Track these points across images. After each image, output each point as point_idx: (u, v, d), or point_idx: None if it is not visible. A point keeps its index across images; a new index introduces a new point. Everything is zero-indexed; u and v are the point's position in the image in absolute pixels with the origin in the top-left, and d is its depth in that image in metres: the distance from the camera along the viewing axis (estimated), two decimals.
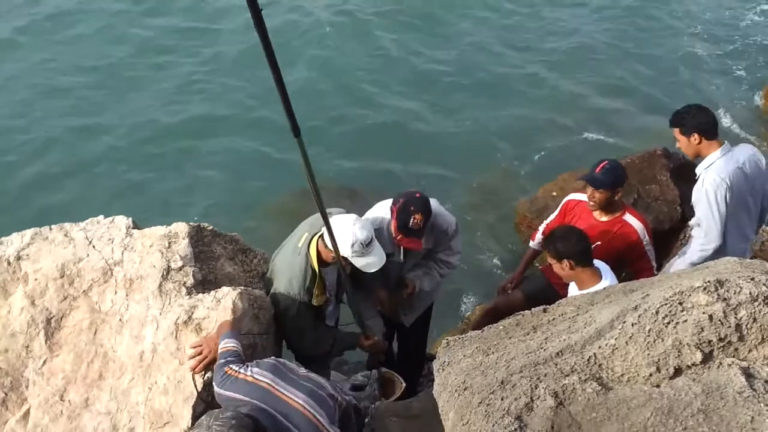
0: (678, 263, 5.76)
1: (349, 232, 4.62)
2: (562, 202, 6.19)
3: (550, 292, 5.86)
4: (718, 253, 5.51)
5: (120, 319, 4.81)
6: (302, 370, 4.07)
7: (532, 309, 4.50)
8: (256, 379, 3.89)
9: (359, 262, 4.70)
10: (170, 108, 12.07)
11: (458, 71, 13.20)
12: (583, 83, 13.02)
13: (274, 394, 3.82)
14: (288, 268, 4.90)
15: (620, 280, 5.11)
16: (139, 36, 14.09)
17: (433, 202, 5.37)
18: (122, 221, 5.24)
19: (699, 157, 5.57)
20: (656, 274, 5.41)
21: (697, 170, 5.57)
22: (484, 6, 15.32)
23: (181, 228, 5.14)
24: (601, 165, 5.60)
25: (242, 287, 4.87)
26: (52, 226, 5.29)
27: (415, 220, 5.02)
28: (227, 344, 4.24)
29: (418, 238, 5.15)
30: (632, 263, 5.76)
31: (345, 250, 4.60)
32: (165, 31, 14.17)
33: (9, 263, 5.09)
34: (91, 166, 10.80)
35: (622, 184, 5.65)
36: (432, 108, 12.23)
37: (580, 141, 11.55)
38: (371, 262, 4.75)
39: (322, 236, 4.75)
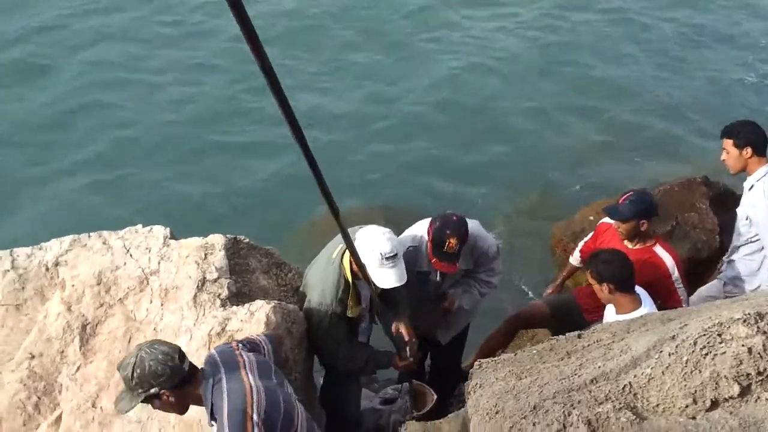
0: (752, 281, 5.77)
1: (374, 241, 4.58)
2: (598, 224, 6.17)
3: (577, 314, 5.82)
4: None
5: (154, 328, 4.84)
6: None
7: (567, 334, 4.46)
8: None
9: (377, 274, 4.59)
10: (215, 126, 12.17)
11: (507, 96, 13.20)
12: (633, 110, 12.93)
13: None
14: (321, 279, 4.88)
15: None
16: (180, 54, 14.24)
17: (474, 224, 5.35)
18: (160, 231, 5.28)
19: (743, 171, 5.58)
20: None
21: (748, 182, 5.58)
22: (525, 37, 15.30)
23: (217, 240, 5.16)
24: (626, 196, 5.55)
25: (276, 301, 4.88)
26: (91, 234, 5.34)
27: (450, 244, 5.00)
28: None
29: (452, 263, 5.12)
30: (661, 299, 5.58)
31: (367, 259, 4.54)
32: (211, 52, 14.30)
33: (47, 269, 5.15)
34: (131, 175, 10.91)
35: (648, 215, 5.52)
36: (480, 133, 12.24)
37: (626, 166, 11.45)
38: (389, 277, 4.62)
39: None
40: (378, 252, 4.55)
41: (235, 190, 10.76)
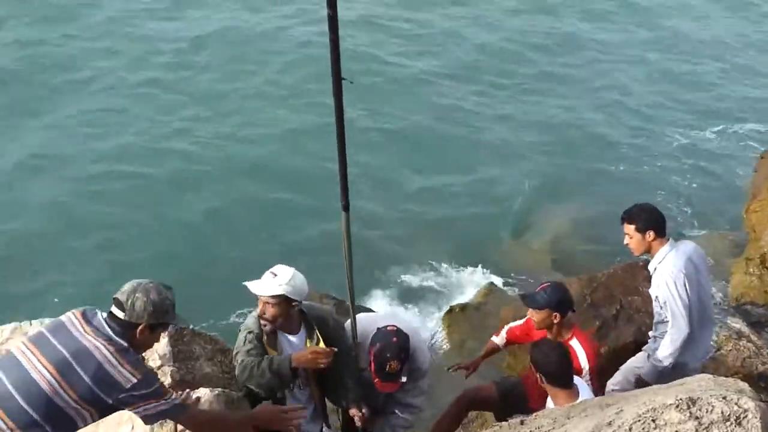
0: (652, 360, 5.88)
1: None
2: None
3: (522, 400, 5.82)
4: (690, 343, 5.71)
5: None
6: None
7: (510, 420, 4.49)
8: None
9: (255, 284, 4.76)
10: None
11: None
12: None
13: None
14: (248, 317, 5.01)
15: None
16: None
17: (414, 334, 5.40)
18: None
19: (647, 253, 5.78)
20: None
21: (651, 266, 5.79)
22: None
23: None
24: (543, 286, 5.64)
25: (220, 389, 4.84)
26: (32, 321, 5.28)
27: (391, 367, 5.05)
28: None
29: (394, 382, 5.16)
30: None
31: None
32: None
33: None
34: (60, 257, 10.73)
35: (559, 308, 5.56)
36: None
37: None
38: (259, 285, 4.76)
39: None
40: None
41: (180, 269, 10.61)
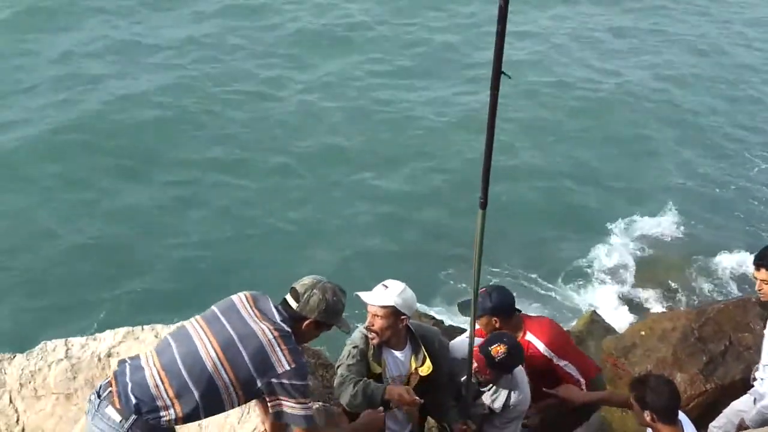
0: (760, 405, 5.70)
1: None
2: None
3: None
4: None
5: (199, 424, 4.88)
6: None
7: None
8: None
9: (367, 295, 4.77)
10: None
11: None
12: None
13: None
14: (356, 331, 5.00)
15: None
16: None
17: (521, 371, 5.28)
18: None
19: None
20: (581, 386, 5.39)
21: None
22: None
23: None
24: (482, 290, 5.34)
25: (321, 403, 4.89)
26: (144, 327, 5.46)
27: (496, 349, 4.95)
28: None
29: (491, 368, 5.05)
30: (556, 382, 5.44)
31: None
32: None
33: (99, 359, 5.26)
34: (173, 265, 11.04)
35: (494, 313, 5.35)
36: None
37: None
38: (370, 295, 4.77)
39: None
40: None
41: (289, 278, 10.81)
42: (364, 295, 4.76)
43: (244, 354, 3.79)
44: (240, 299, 4.02)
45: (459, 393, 5.22)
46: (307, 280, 4.07)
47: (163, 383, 3.79)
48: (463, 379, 5.06)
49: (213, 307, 4.05)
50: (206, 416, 3.91)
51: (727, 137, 15.91)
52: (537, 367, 5.41)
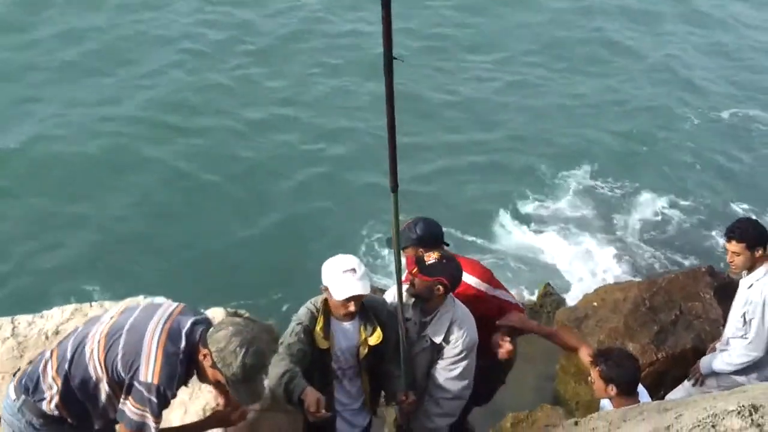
0: (711, 359, 5.92)
1: (337, 260, 4.69)
2: None
3: None
4: (758, 364, 5.65)
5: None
6: None
7: (564, 422, 4.44)
8: None
9: (339, 285, 4.61)
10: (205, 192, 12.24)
11: None
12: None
13: None
14: (302, 307, 4.92)
15: None
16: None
17: (464, 308, 5.21)
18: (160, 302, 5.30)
19: (749, 270, 5.63)
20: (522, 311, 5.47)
21: (745, 281, 5.65)
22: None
23: (217, 313, 5.18)
24: (407, 223, 5.33)
25: None
26: (93, 303, 5.38)
27: (429, 255, 4.95)
28: None
29: (420, 271, 4.95)
30: (499, 315, 5.38)
31: (329, 275, 4.64)
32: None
33: (47, 337, 5.17)
34: (121, 243, 10.87)
35: (422, 242, 5.29)
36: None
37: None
38: (351, 286, 4.60)
39: (326, 288, 4.72)
40: (337, 265, 4.65)
41: (234, 253, 10.71)
42: (354, 289, 4.60)
43: (121, 343, 3.64)
44: (169, 305, 3.85)
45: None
46: (232, 345, 3.60)
47: (51, 363, 3.72)
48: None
49: (145, 301, 3.97)
50: (84, 399, 3.75)
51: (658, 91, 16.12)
52: (473, 302, 5.28)
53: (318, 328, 4.79)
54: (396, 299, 4.80)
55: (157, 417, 3.67)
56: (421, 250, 5.26)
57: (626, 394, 4.89)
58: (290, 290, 9.48)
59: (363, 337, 4.90)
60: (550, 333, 5.85)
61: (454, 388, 5.21)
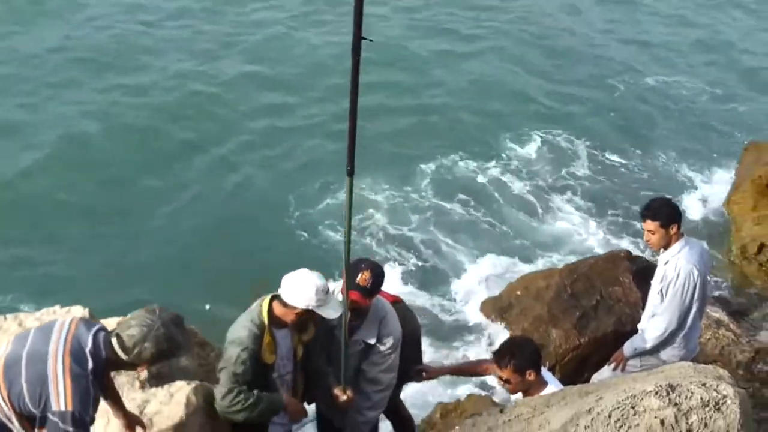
0: (633, 339, 6.01)
1: (310, 282, 4.60)
2: None
3: None
4: (689, 335, 5.81)
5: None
6: None
7: (490, 409, 4.48)
8: None
9: (323, 311, 4.62)
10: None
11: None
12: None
13: None
14: (239, 325, 4.75)
15: None
16: None
17: (384, 302, 5.29)
18: (78, 311, 5.17)
19: (665, 248, 5.76)
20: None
21: (662, 258, 5.78)
22: None
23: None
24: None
25: (197, 381, 4.79)
26: (8, 316, 5.21)
27: (363, 277, 4.93)
28: None
29: (369, 297, 5.01)
30: None
31: (309, 299, 4.56)
32: None
33: None
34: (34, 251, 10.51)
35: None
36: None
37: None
38: (333, 310, 4.66)
39: (277, 296, 4.67)
40: (319, 289, 4.59)
41: (152, 262, 10.35)
42: (330, 314, 4.65)
43: (23, 376, 3.51)
44: (63, 324, 3.72)
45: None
46: (135, 330, 3.65)
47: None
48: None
49: (38, 324, 3.84)
50: None
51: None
52: None
53: (266, 344, 4.70)
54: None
55: None
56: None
57: (539, 371, 4.94)
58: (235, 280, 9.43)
59: (296, 338, 4.88)
60: (458, 369, 6.43)
61: (385, 381, 5.29)
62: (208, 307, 9.01)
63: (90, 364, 3.58)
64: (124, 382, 4.74)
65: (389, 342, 5.22)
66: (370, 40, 3.25)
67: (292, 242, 10.59)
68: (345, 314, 4.78)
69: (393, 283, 9.67)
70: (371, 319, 5.19)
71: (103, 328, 3.76)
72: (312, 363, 5.15)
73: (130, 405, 4.58)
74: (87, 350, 3.60)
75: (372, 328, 5.19)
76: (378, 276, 5.03)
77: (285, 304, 4.63)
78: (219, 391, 4.66)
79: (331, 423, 5.61)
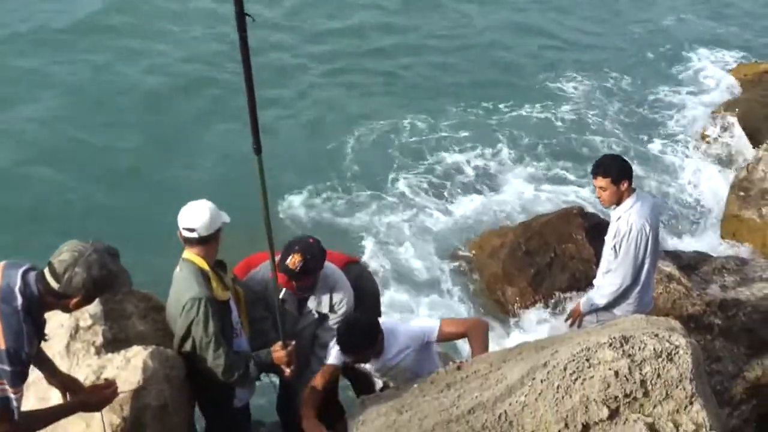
0: (589, 295, 6.03)
1: (197, 204, 4.64)
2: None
3: None
4: (643, 290, 5.86)
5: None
6: None
7: (447, 366, 4.52)
8: None
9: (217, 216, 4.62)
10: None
11: None
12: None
13: None
14: (180, 287, 4.69)
15: None
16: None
17: (337, 271, 5.31)
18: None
19: (617, 204, 5.79)
20: None
21: (614, 214, 5.81)
22: None
23: None
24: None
25: (154, 346, 4.75)
26: None
27: (293, 260, 4.95)
28: None
29: (296, 280, 5.02)
30: None
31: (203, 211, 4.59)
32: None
33: None
34: None
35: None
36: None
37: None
38: (223, 215, 4.66)
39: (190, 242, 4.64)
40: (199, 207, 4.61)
41: (107, 221, 10.15)
42: (223, 217, 4.65)
43: None
44: None
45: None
46: (66, 255, 3.55)
47: None
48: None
49: None
50: None
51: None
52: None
53: (214, 282, 4.65)
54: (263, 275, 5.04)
55: (16, 386, 3.50)
56: None
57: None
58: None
59: (228, 280, 4.85)
60: None
61: None
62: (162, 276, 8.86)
63: (19, 301, 3.50)
64: (79, 348, 4.69)
65: (342, 309, 5.26)
66: (253, 18, 3.17)
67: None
68: (276, 287, 4.77)
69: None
70: (321, 290, 5.22)
71: (33, 267, 3.65)
72: (254, 314, 5.16)
73: (86, 371, 4.54)
74: (16, 288, 3.52)
75: (323, 297, 5.23)
76: (310, 260, 4.98)
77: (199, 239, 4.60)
78: (216, 364, 4.62)
79: (290, 386, 5.61)
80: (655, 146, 12.75)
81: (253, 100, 3.42)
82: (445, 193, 11.34)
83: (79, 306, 3.68)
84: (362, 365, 5.14)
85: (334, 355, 5.00)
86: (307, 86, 13.92)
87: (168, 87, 13.30)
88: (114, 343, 4.84)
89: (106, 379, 4.32)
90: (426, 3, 17.44)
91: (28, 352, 3.54)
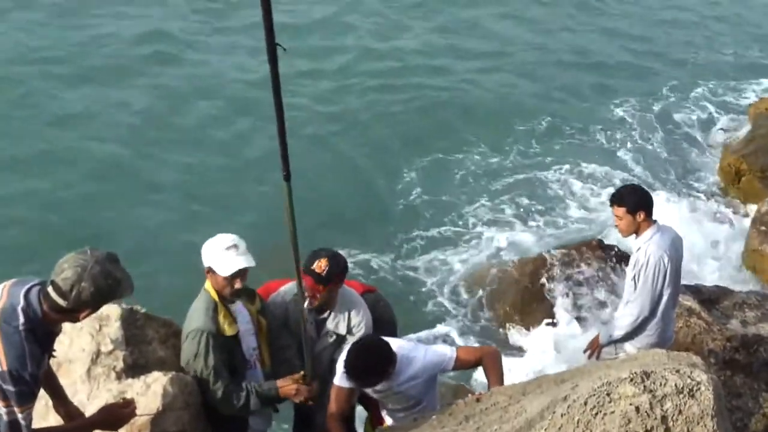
0: (607, 327, 6.11)
1: (217, 239, 4.71)
2: None
3: None
4: (665, 324, 5.86)
5: (45, 404, 4.66)
6: None
7: (466, 398, 4.51)
8: None
9: (223, 262, 4.64)
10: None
11: None
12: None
13: None
14: (189, 313, 4.82)
15: None
16: None
17: (351, 291, 5.35)
18: None
19: (635, 234, 5.80)
20: None
21: (637, 243, 5.80)
22: None
23: (112, 310, 5.03)
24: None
25: (174, 372, 4.77)
26: None
27: (319, 264, 4.97)
28: None
29: (323, 284, 5.01)
30: None
31: (212, 254, 4.66)
32: None
33: None
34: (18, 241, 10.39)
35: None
36: None
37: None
38: (234, 262, 4.65)
39: (210, 269, 4.70)
40: (218, 244, 4.66)
41: (129, 252, 10.30)
42: (239, 263, 4.63)
43: None
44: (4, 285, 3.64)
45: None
46: (68, 272, 3.49)
47: None
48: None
49: None
50: None
51: None
52: None
53: (221, 316, 4.74)
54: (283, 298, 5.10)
55: (22, 405, 3.52)
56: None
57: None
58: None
59: (253, 311, 4.94)
60: None
61: None
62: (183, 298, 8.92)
63: (21, 320, 3.50)
64: (100, 372, 4.71)
65: (360, 332, 5.26)
66: (284, 48, 3.21)
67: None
68: (304, 312, 4.81)
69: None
70: (339, 311, 5.25)
71: (38, 283, 3.64)
72: (278, 342, 5.18)
73: (107, 396, 4.56)
74: (19, 308, 3.52)
75: (341, 319, 5.26)
76: (335, 264, 5.02)
77: (211, 271, 4.69)
78: (215, 395, 4.73)
79: (307, 412, 5.61)
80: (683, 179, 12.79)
81: (282, 127, 3.45)
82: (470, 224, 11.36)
83: (88, 316, 3.68)
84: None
85: (341, 377, 4.90)
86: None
87: (214, 112, 13.57)
88: (134, 368, 4.86)
89: (124, 399, 4.34)
90: (464, 25, 17.53)
91: (31, 372, 3.55)
